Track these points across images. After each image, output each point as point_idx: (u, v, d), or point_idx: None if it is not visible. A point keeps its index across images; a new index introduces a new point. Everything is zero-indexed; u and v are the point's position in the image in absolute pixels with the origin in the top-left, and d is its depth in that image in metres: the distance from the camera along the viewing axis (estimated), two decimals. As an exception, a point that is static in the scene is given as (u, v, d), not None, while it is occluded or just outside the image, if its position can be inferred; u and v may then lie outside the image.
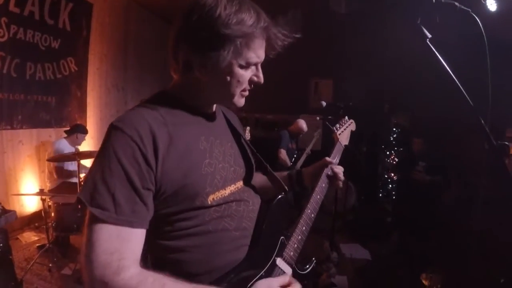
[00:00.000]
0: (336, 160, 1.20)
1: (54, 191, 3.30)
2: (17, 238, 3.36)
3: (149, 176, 0.73)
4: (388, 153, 5.52)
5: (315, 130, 4.59)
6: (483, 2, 3.00)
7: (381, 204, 5.15)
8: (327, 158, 1.15)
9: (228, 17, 0.74)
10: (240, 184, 0.92)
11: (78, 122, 4.07)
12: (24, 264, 2.84)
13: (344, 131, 1.33)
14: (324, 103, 3.05)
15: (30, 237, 3.45)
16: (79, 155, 2.88)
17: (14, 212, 2.59)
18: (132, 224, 0.70)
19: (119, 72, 5.07)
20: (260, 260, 0.86)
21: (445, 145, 4.22)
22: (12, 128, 3.43)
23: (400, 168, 4.70)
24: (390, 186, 5.38)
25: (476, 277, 2.26)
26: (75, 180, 3.31)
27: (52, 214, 2.83)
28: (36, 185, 3.67)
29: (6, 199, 3.33)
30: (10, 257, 2.28)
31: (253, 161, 1.03)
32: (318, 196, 1.07)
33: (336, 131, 1.29)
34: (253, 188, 0.99)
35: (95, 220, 0.68)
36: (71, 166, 3.43)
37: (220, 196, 0.84)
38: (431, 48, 0.83)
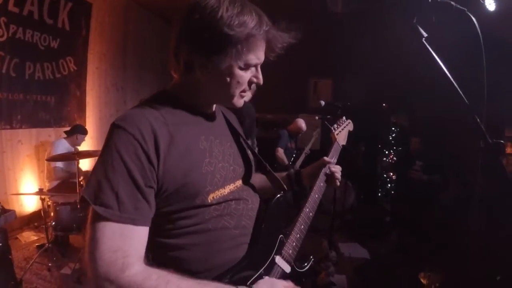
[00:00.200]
0: (334, 159, 1.21)
1: (53, 191, 3.30)
2: (17, 238, 3.36)
3: (151, 174, 0.74)
4: (387, 152, 5.53)
5: (314, 129, 4.61)
6: (482, 1, 3.01)
7: (380, 203, 5.17)
8: (325, 158, 1.17)
9: (230, 18, 0.75)
10: (239, 183, 0.93)
11: (78, 122, 4.08)
12: (23, 263, 2.84)
13: (342, 131, 1.34)
14: (322, 103, 3.06)
15: (29, 236, 3.45)
16: (78, 155, 2.88)
17: (13, 211, 2.59)
18: (135, 222, 0.71)
19: (118, 72, 5.07)
20: (259, 258, 0.87)
21: (443, 144, 4.24)
22: (11, 127, 3.43)
23: (398, 167, 4.72)
24: (389, 185, 5.39)
25: (474, 276, 2.27)
26: (74, 180, 3.31)
27: (52, 214, 2.83)
28: (35, 184, 3.67)
29: (6, 199, 3.33)
30: (10, 256, 2.28)
31: (252, 160, 1.04)
32: (316, 195, 1.08)
33: (334, 131, 1.31)
34: (252, 187, 1.01)
35: (98, 218, 0.69)
36: (70, 166, 3.43)
37: (220, 195, 0.85)
38: (427, 47, 0.84)
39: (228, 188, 0.88)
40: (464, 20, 0.92)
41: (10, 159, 3.44)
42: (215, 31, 0.75)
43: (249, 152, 1.05)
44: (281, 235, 0.95)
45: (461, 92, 0.83)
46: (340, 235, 3.86)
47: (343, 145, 1.32)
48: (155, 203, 0.77)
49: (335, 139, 1.29)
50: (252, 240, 0.89)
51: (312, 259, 1.04)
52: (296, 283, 0.88)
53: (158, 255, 0.83)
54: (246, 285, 0.77)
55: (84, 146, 3.74)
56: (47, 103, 3.85)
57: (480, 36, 0.87)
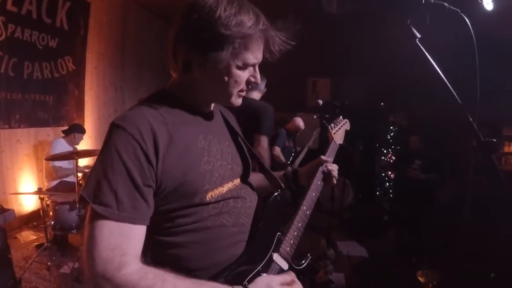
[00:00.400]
0: (331, 158, 1.23)
1: (52, 190, 3.31)
2: (16, 237, 3.37)
3: (150, 174, 0.74)
4: (385, 151, 5.55)
5: (314, 129, 4.62)
6: (480, 1, 3.02)
7: (378, 202, 5.19)
8: (322, 157, 1.18)
9: (227, 18, 0.75)
10: (237, 181, 0.94)
11: (76, 121, 4.08)
12: (22, 263, 2.85)
13: (339, 131, 1.36)
14: (320, 102, 3.07)
15: (28, 236, 3.45)
16: (77, 154, 2.88)
17: (12, 211, 2.60)
18: (133, 221, 0.72)
19: (116, 71, 5.07)
20: (257, 255, 0.88)
21: (441, 143, 4.26)
22: (10, 127, 3.44)
23: (397, 166, 4.73)
24: (387, 184, 5.41)
25: (471, 273, 2.29)
26: (72, 179, 3.32)
27: (50, 213, 2.84)
28: (34, 184, 3.68)
29: (5, 198, 3.34)
30: (9, 256, 2.29)
31: (250, 159, 1.05)
32: (314, 194, 1.09)
33: (331, 130, 1.32)
34: (250, 185, 1.01)
35: (97, 216, 0.70)
36: (69, 165, 3.44)
37: (218, 193, 0.86)
38: (421, 48, 0.85)
39: (226, 187, 0.89)
40: (460, 20, 0.93)
41: (9, 158, 3.45)
42: (213, 30, 0.75)
43: (247, 150, 1.05)
44: (278, 233, 0.96)
45: (454, 92, 0.84)
46: (338, 233, 3.87)
47: (340, 144, 1.34)
48: (154, 202, 0.77)
49: (332, 138, 1.31)
50: (250, 238, 0.90)
51: (310, 257, 1.05)
52: None
53: (156, 253, 0.84)
54: (242, 284, 0.77)
55: (82, 145, 3.74)
56: (46, 103, 3.86)
57: (473, 37, 0.88)
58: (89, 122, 4.54)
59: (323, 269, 2.76)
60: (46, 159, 3.24)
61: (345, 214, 4.51)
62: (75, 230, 2.82)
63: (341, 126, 1.40)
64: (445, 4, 0.84)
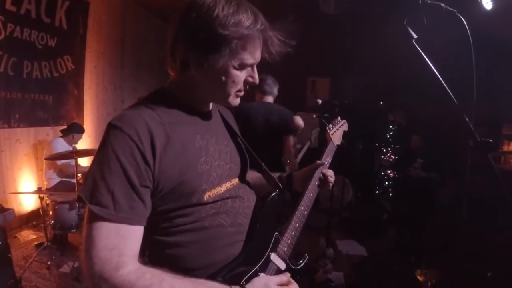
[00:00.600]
0: (328, 159, 1.23)
1: (52, 190, 3.31)
2: (16, 237, 3.37)
3: (147, 174, 0.74)
4: (384, 150, 5.56)
5: (313, 128, 4.61)
6: (479, 0, 3.02)
7: (378, 201, 5.19)
8: (318, 162, 1.17)
9: (225, 18, 0.75)
10: (235, 181, 0.94)
11: (75, 121, 4.08)
12: (22, 262, 2.86)
13: (337, 131, 1.36)
14: (319, 101, 3.07)
15: (28, 235, 3.46)
16: (76, 154, 2.89)
17: (12, 210, 2.60)
18: (130, 221, 0.72)
19: (116, 70, 5.07)
20: (254, 255, 0.88)
21: (441, 143, 4.26)
22: (10, 126, 3.44)
23: (398, 165, 4.74)
24: (387, 183, 5.41)
25: (469, 272, 2.29)
26: (72, 178, 3.32)
27: (50, 213, 2.85)
28: (34, 183, 3.68)
29: (4, 198, 3.34)
30: (9, 255, 2.29)
31: (248, 158, 1.05)
32: (311, 194, 1.10)
33: (329, 131, 1.32)
34: (248, 184, 1.02)
35: (94, 217, 0.70)
36: (68, 164, 3.44)
37: (216, 193, 0.86)
38: (417, 48, 0.85)
39: (224, 186, 0.89)
40: (457, 20, 0.94)
41: (8, 158, 3.45)
42: (210, 30, 0.75)
43: (245, 150, 1.05)
44: (276, 233, 0.96)
45: (449, 92, 0.85)
46: (337, 232, 3.88)
47: (338, 145, 1.34)
48: (152, 202, 0.78)
49: (330, 139, 1.31)
50: (247, 238, 0.90)
51: (307, 257, 1.05)
52: None
53: (154, 252, 0.84)
54: (240, 284, 0.77)
55: (82, 145, 3.75)
56: (45, 102, 3.86)
57: (470, 37, 0.89)
58: (89, 121, 4.54)
59: (322, 268, 2.77)
60: (46, 159, 3.24)
61: (345, 213, 4.52)
62: (75, 229, 2.82)
63: (339, 127, 1.40)
64: (442, 4, 0.84)
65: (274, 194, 1.01)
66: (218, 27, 0.75)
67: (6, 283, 2.20)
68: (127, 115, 0.78)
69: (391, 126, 5.56)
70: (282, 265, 0.92)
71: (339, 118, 1.44)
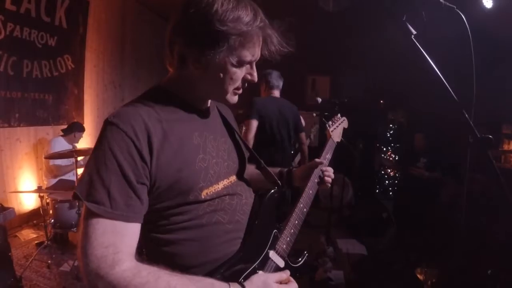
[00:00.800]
0: (328, 156, 1.23)
1: (52, 188, 3.31)
2: (16, 236, 3.38)
3: (143, 171, 0.74)
4: (384, 149, 5.55)
5: (313, 126, 4.61)
6: (479, -1, 3.01)
7: (378, 200, 5.19)
8: (317, 160, 1.17)
9: (224, 13, 0.74)
10: (233, 178, 0.94)
11: (75, 120, 4.08)
12: (23, 261, 2.86)
13: (337, 128, 1.36)
14: (319, 100, 3.07)
15: (28, 234, 3.46)
16: (76, 152, 2.89)
17: (12, 209, 2.60)
18: (127, 219, 0.72)
19: (116, 69, 5.06)
20: (253, 252, 0.88)
21: (442, 141, 4.25)
22: (10, 126, 3.44)
23: (402, 164, 4.74)
24: (387, 182, 5.41)
25: (469, 271, 2.29)
26: (72, 177, 3.32)
27: (50, 211, 2.85)
28: (34, 182, 3.69)
29: (5, 197, 3.34)
30: (9, 254, 2.30)
31: (246, 155, 1.05)
32: (311, 191, 1.09)
33: (328, 128, 1.32)
34: (247, 182, 1.01)
35: (91, 214, 0.69)
36: (68, 164, 3.45)
37: (213, 191, 0.85)
38: (416, 45, 0.85)
39: (222, 184, 0.88)
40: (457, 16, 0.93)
41: (8, 157, 3.45)
42: (208, 25, 0.74)
43: (243, 147, 1.05)
44: (275, 230, 0.96)
45: (449, 88, 0.84)
46: (337, 231, 3.87)
47: (337, 142, 1.34)
48: (149, 200, 0.77)
49: (330, 136, 1.31)
50: (246, 235, 0.90)
51: (306, 254, 1.05)
52: None
53: (152, 250, 0.84)
54: (238, 281, 0.77)
55: (82, 144, 3.75)
56: (45, 101, 3.86)
57: (469, 33, 0.88)
58: (89, 120, 4.54)
59: (322, 266, 2.77)
60: (45, 158, 3.24)
61: (345, 212, 4.52)
62: (75, 228, 2.82)
63: (339, 124, 1.40)
64: (441, 0, 0.84)
65: (273, 191, 1.01)
66: (216, 23, 0.74)
67: (7, 282, 2.20)
68: (124, 112, 0.77)
69: (391, 125, 5.56)
70: (281, 263, 0.92)
71: (339, 115, 1.43)
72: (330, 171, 1.17)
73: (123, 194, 0.71)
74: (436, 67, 0.87)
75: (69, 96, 4.19)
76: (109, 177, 0.71)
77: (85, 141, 4.13)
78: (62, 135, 3.59)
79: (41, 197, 2.81)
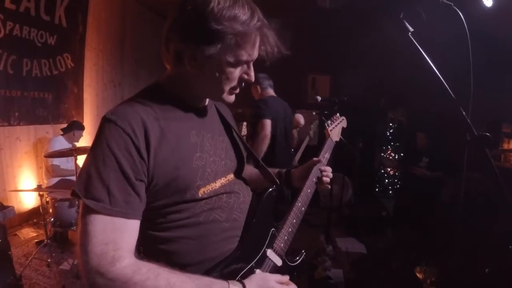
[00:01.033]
0: (327, 155, 1.22)
1: (52, 187, 3.32)
2: (16, 235, 3.38)
3: (141, 168, 0.74)
4: (384, 148, 5.55)
5: (311, 122, 4.60)
6: (479, -2, 3.00)
7: (377, 199, 5.19)
8: (315, 159, 1.17)
9: (220, 11, 0.73)
10: (231, 176, 0.94)
11: (75, 119, 4.08)
12: (23, 260, 2.87)
13: (336, 128, 1.35)
14: (319, 98, 3.06)
15: (28, 233, 3.47)
16: (76, 151, 2.89)
17: (12, 208, 2.60)
18: (126, 215, 0.72)
19: (115, 68, 5.06)
20: (250, 251, 0.88)
21: (443, 140, 4.25)
22: (10, 124, 3.44)
23: (404, 163, 4.73)
24: (387, 181, 5.41)
25: (468, 270, 2.29)
26: (73, 177, 3.33)
27: (50, 210, 2.85)
28: (33, 181, 3.69)
29: (4, 196, 3.35)
30: (9, 253, 2.30)
31: (244, 154, 1.04)
32: (309, 190, 1.09)
33: (327, 127, 1.32)
34: (244, 180, 1.01)
35: (90, 211, 0.69)
36: (67, 162, 3.45)
37: (210, 189, 0.85)
38: (413, 42, 0.85)
39: (219, 182, 0.88)
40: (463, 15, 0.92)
41: (8, 156, 3.46)
42: (204, 23, 0.73)
43: (241, 146, 1.05)
44: (273, 229, 0.96)
45: (446, 85, 0.84)
46: (337, 230, 3.88)
47: (336, 141, 1.34)
48: (146, 197, 0.77)
49: (329, 135, 1.30)
50: (243, 233, 0.90)
51: (304, 253, 1.05)
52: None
53: (149, 248, 0.84)
54: (236, 280, 0.77)
55: (81, 142, 3.75)
56: (45, 100, 3.86)
57: (467, 31, 0.88)
58: (88, 119, 4.54)
59: (321, 265, 2.77)
60: (45, 156, 3.24)
61: (344, 211, 4.52)
62: (74, 227, 2.82)
63: (338, 123, 1.40)
64: (440, -3, 0.84)
65: (271, 189, 1.01)
66: (211, 21, 0.73)
67: (6, 280, 2.21)
68: (122, 109, 0.78)
69: (391, 124, 5.55)
70: (278, 261, 0.92)
71: (338, 114, 1.43)
72: (328, 171, 1.16)
73: (122, 191, 0.72)
74: (434, 65, 0.87)
75: (68, 94, 4.19)
76: (107, 174, 0.71)
77: (85, 140, 4.13)
78: (62, 134, 3.59)
79: (41, 196, 2.82)
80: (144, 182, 0.75)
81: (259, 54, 0.84)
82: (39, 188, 2.88)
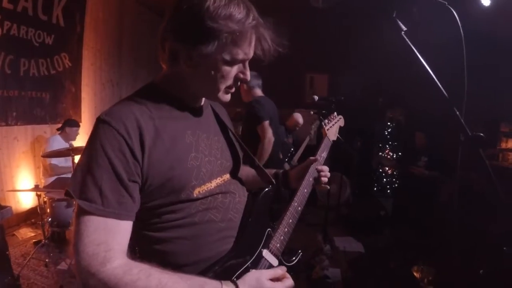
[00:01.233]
0: (324, 154, 1.22)
1: (49, 187, 3.31)
2: (14, 235, 3.38)
3: (135, 169, 0.74)
4: (382, 147, 5.56)
5: (312, 122, 4.60)
6: (477, -2, 3.00)
7: (375, 198, 5.20)
8: (311, 158, 1.16)
9: (215, 10, 0.73)
10: (226, 176, 0.94)
11: (72, 118, 4.07)
12: (20, 260, 2.86)
13: (333, 127, 1.35)
14: (316, 98, 3.06)
15: (26, 233, 3.46)
16: (73, 151, 2.88)
17: (10, 208, 2.59)
18: (118, 216, 0.72)
19: (113, 68, 5.05)
20: (246, 251, 0.87)
21: (440, 140, 4.25)
22: (7, 124, 3.44)
23: (403, 162, 4.74)
24: (385, 180, 5.42)
25: (465, 269, 2.30)
26: (69, 176, 3.32)
27: (48, 210, 2.85)
28: (31, 181, 3.68)
29: (2, 195, 3.34)
30: (7, 253, 2.29)
31: (240, 154, 1.04)
32: (306, 190, 1.08)
33: (324, 126, 1.31)
34: (240, 180, 1.01)
35: (83, 212, 0.70)
36: (65, 162, 3.44)
37: (206, 189, 0.85)
38: (407, 41, 0.85)
39: (214, 182, 0.88)
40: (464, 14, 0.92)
41: (6, 156, 3.45)
42: (199, 22, 0.73)
43: (237, 145, 1.04)
44: (268, 229, 0.96)
45: (440, 85, 0.84)
46: (335, 229, 3.88)
47: (333, 140, 1.34)
48: (141, 198, 0.77)
49: (326, 134, 1.30)
50: (239, 233, 0.90)
51: (300, 253, 1.05)
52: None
53: (144, 248, 0.84)
54: (231, 280, 0.77)
55: (79, 142, 3.74)
56: (42, 100, 3.85)
57: (461, 29, 0.88)
58: (86, 119, 4.53)
59: (319, 264, 2.77)
60: (42, 156, 3.24)
61: (342, 210, 4.53)
62: (72, 227, 2.82)
63: (335, 122, 1.39)
64: (432, -4, 0.84)
65: (267, 189, 1.00)
66: (207, 19, 0.73)
67: (4, 280, 2.20)
68: (116, 110, 0.78)
69: (389, 123, 5.56)
70: (274, 262, 0.91)
71: (335, 113, 1.43)
72: (325, 170, 1.16)
73: (115, 192, 0.72)
74: (429, 64, 0.87)
75: (66, 94, 4.18)
76: (100, 175, 0.71)
77: (83, 139, 4.12)
78: (58, 133, 3.59)
79: (39, 196, 2.81)
80: (137, 183, 0.75)
81: (256, 53, 0.84)
82: (36, 188, 2.87)
